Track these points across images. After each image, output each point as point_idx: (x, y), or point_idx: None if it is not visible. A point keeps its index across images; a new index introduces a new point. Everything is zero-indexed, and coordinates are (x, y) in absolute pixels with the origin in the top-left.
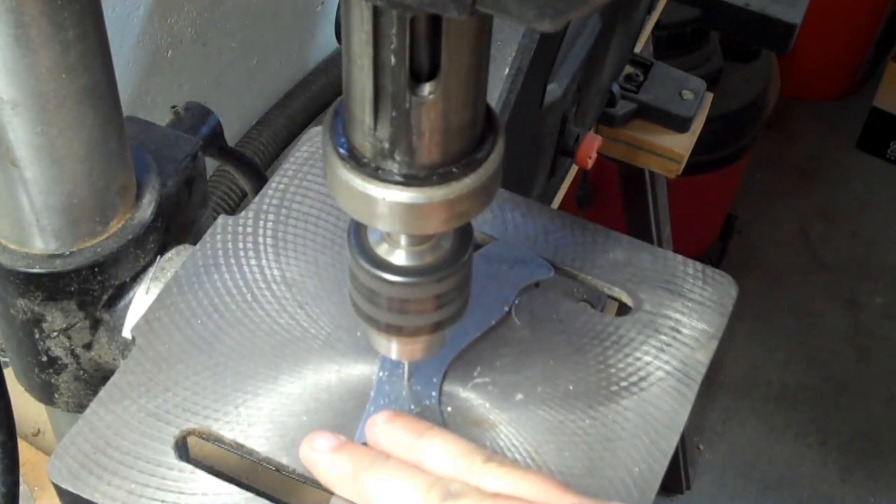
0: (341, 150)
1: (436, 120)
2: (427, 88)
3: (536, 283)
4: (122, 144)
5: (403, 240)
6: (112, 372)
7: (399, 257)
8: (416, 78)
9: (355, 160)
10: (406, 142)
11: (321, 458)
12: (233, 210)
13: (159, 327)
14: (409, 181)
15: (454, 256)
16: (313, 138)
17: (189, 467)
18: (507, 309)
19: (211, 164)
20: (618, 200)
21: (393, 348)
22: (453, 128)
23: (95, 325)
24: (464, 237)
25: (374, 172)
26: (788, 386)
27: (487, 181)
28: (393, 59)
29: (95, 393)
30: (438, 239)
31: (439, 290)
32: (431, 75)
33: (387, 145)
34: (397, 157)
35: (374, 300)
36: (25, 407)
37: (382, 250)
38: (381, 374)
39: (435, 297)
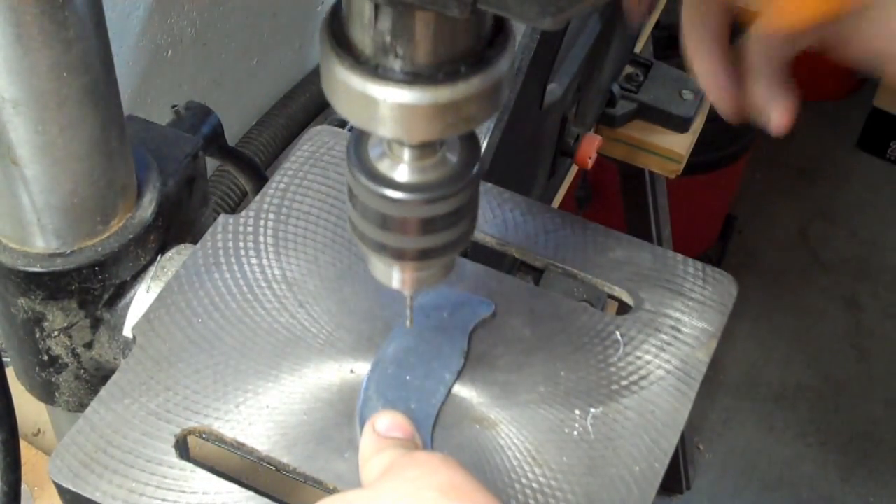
0: (339, 49)
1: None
2: None
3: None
4: (123, 143)
5: (407, 153)
6: (113, 371)
7: (402, 172)
8: None
9: (354, 58)
10: (408, 34)
11: (367, 430)
12: (233, 209)
13: (160, 326)
14: (411, 80)
15: (462, 171)
16: (314, 137)
17: (190, 466)
18: (463, 360)
19: (211, 163)
20: (618, 200)
21: (395, 276)
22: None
23: (96, 324)
24: (471, 150)
25: (375, 71)
26: (788, 386)
27: (497, 82)
28: None
29: (96, 392)
30: (444, 152)
31: (447, 207)
32: None
33: (388, 38)
34: (399, 52)
35: (373, 218)
36: (26, 407)
37: (384, 165)
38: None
39: (441, 216)
